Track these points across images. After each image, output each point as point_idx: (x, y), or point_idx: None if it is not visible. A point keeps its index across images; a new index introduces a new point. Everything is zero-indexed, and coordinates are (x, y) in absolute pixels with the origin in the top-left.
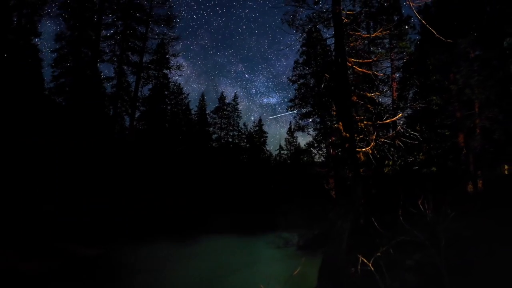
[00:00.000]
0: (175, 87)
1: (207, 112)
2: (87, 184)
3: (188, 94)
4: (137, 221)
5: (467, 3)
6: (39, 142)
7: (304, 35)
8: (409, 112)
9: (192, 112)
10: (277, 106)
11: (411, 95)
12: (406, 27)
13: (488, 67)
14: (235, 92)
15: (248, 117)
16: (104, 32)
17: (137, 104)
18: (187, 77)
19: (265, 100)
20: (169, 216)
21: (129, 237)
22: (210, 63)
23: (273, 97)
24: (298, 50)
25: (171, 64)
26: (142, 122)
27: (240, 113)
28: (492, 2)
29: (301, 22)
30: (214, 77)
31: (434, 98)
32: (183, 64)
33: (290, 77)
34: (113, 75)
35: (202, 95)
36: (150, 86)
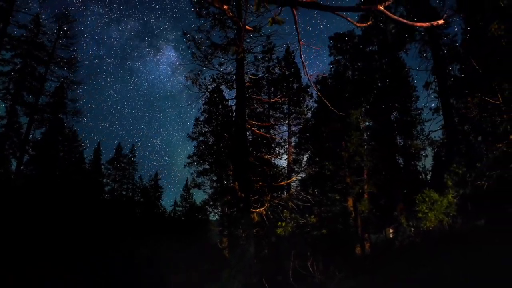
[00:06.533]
0: (70, 134)
1: (102, 163)
2: None
3: (83, 143)
4: None
5: (360, 78)
6: None
7: (207, 93)
8: (303, 176)
9: (86, 161)
10: None
11: (305, 159)
12: (304, 95)
13: (376, 137)
14: (133, 145)
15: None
16: None
17: (27, 147)
18: (175, 68)
19: None
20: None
21: None
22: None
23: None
24: (200, 108)
25: (68, 109)
26: (31, 167)
27: (136, 165)
28: (382, 78)
29: (205, 81)
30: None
31: (327, 163)
32: (173, 55)
33: (189, 134)
34: (4, 114)
35: (98, 144)
36: (43, 129)
